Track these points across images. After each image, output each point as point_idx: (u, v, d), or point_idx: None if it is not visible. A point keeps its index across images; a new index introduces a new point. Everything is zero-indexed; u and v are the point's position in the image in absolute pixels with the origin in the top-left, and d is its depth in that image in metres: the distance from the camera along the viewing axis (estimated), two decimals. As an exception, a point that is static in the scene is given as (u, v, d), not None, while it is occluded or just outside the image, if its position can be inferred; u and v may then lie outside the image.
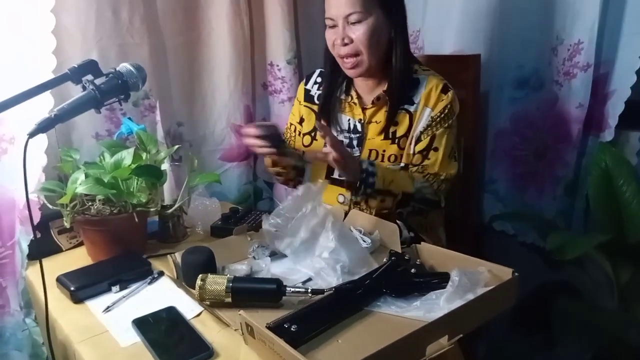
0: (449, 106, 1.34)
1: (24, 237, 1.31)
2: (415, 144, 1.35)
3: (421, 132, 1.34)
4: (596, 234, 1.59)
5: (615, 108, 1.56)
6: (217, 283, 1.01)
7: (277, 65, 1.94)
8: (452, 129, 1.36)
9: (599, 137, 1.63)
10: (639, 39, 1.49)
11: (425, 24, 1.94)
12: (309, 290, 1.00)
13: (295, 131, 1.51)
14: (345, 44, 1.27)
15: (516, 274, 1.00)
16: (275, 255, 1.23)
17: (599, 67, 1.60)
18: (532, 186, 1.84)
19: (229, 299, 1.01)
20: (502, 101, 1.84)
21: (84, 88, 1.02)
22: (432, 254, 1.15)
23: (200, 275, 1.03)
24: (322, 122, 1.39)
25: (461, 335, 0.89)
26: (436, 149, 1.35)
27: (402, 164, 1.37)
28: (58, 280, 1.15)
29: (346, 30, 1.27)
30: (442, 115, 1.33)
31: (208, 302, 1.03)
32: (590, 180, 1.59)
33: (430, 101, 1.34)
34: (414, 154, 1.36)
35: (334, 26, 1.29)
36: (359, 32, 1.26)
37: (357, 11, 1.24)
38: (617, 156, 1.54)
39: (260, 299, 1.02)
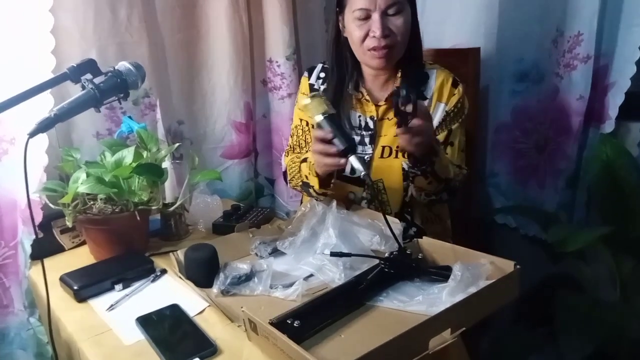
0: (461, 100, 1.34)
1: (26, 237, 1.31)
2: None
3: (437, 127, 1.33)
4: (598, 226, 1.59)
5: (615, 99, 1.56)
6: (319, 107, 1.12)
7: (277, 62, 1.94)
8: (464, 124, 1.36)
9: (599, 129, 1.63)
10: (639, 30, 1.48)
11: (424, 18, 1.92)
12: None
13: (307, 125, 1.46)
14: (386, 35, 1.23)
15: (518, 266, 1.00)
16: (277, 251, 1.23)
17: (599, 59, 1.60)
18: (533, 179, 1.84)
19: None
20: (503, 94, 1.84)
21: (83, 87, 1.02)
22: (434, 248, 1.15)
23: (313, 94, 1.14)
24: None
25: (464, 329, 0.90)
26: (452, 144, 1.35)
27: None
28: (61, 279, 1.15)
29: (384, 21, 1.23)
30: (456, 110, 1.33)
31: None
32: (591, 172, 1.59)
33: (443, 96, 1.34)
34: None
35: (366, 18, 1.24)
36: (399, 23, 1.23)
37: (398, 2, 1.22)
38: (618, 148, 1.53)
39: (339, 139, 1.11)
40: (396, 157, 1.36)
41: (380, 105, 1.36)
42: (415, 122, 1.08)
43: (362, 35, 1.25)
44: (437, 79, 1.34)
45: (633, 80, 1.51)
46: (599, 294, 1.66)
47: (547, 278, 1.72)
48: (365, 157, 1.38)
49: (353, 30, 1.27)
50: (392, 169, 1.37)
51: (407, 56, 1.31)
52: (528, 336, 1.75)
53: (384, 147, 1.37)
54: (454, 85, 1.34)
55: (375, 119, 1.37)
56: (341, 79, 1.37)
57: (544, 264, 1.76)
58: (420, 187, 1.29)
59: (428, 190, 1.28)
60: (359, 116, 1.38)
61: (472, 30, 1.79)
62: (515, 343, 1.74)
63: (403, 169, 1.36)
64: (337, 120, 1.14)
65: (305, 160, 1.33)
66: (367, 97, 1.36)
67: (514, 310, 1.78)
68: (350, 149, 1.09)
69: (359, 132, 1.39)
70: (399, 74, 1.33)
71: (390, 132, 1.36)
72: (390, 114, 1.36)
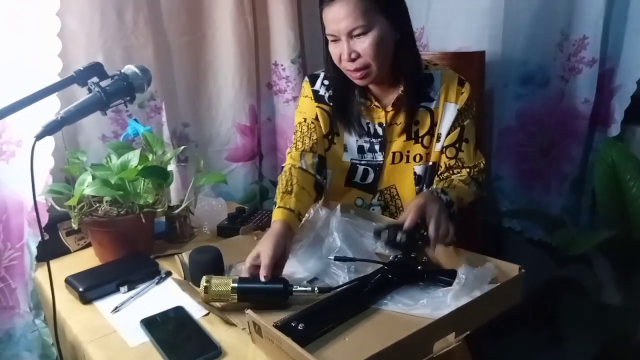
0: (470, 97, 1.33)
1: (32, 239, 1.32)
2: (444, 139, 1.34)
3: (449, 128, 1.32)
4: (602, 230, 1.58)
5: (621, 103, 1.56)
6: (222, 285, 1.01)
7: (282, 65, 1.95)
8: (474, 120, 1.35)
9: (605, 133, 1.63)
10: (644, 33, 1.48)
11: (429, 21, 1.93)
12: (316, 289, 1.00)
13: (312, 123, 1.39)
14: (353, 59, 1.21)
15: (523, 270, 0.99)
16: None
17: (604, 62, 1.60)
18: (538, 183, 1.84)
19: (234, 300, 1.01)
20: (508, 98, 1.84)
21: (90, 90, 1.03)
22: (439, 251, 1.15)
23: (204, 277, 1.02)
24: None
25: (468, 332, 0.90)
26: (467, 141, 1.33)
27: (431, 163, 1.36)
28: (67, 281, 1.16)
29: (351, 44, 1.19)
30: (466, 107, 1.32)
31: (216, 304, 1.03)
32: (597, 176, 1.58)
33: (450, 96, 1.32)
34: (443, 148, 1.34)
35: (336, 40, 1.23)
36: (365, 45, 1.19)
37: (360, 25, 1.17)
38: (623, 151, 1.53)
39: (266, 299, 1.03)
40: (407, 162, 1.36)
41: (388, 111, 1.34)
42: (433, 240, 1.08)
43: (337, 56, 1.24)
44: (443, 80, 1.33)
45: (639, 83, 1.50)
46: (603, 297, 1.66)
47: (551, 281, 1.72)
48: (376, 165, 1.38)
49: (330, 50, 1.26)
50: (404, 174, 1.37)
51: (402, 63, 1.28)
52: (532, 339, 1.74)
53: (394, 153, 1.36)
54: (461, 84, 1.33)
55: (384, 125, 1.36)
56: (346, 87, 1.35)
57: (548, 268, 1.76)
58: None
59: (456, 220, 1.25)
60: (367, 123, 1.37)
61: (477, 33, 1.79)
62: (520, 346, 1.73)
63: (415, 173, 1.36)
64: (247, 278, 1.07)
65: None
66: (377, 103, 1.35)
67: (519, 314, 1.78)
68: (286, 287, 1.02)
69: (368, 139, 1.38)
70: (402, 81, 1.31)
71: (400, 138, 1.36)
72: (398, 119, 1.35)
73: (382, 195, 1.39)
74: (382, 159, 1.37)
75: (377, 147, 1.37)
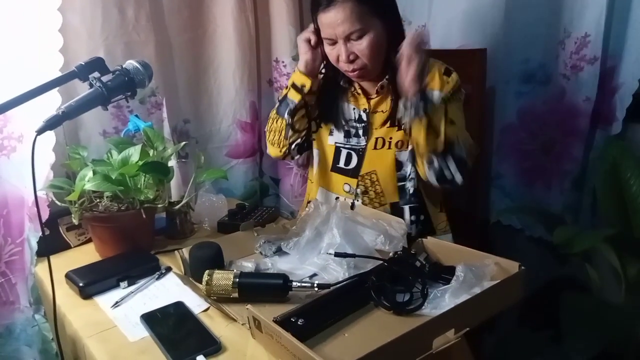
0: (456, 86, 1.32)
1: (33, 234, 1.32)
2: None
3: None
4: (603, 228, 1.58)
5: (622, 101, 1.55)
6: (224, 279, 1.02)
7: (283, 62, 1.95)
8: (460, 104, 1.33)
9: (606, 131, 1.62)
10: (647, 31, 1.48)
11: (431, 19, 1.93)
12: (315, 285, 1.01)
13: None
14: (351, 61, 1.26)
15: (523, 267, 0.99)
16: (282, 251, 1.24)
17: (606, 60, 1.59)
18: (539, 181, 1.83)
19: (235, 294, 1.02)
20: (509, 96, 1.83)
21: (91, 85, 1.03)
22: (438, 248, 1.16)
23: (207, 271, 1.04)
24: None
25: (468, 329, 0.90)
26: (452, 122, 1.27)
27: (411, 147, 1.34)
28: (67, 276, 1.16)
29: (348, 47, 1.25)
30: (452, 93, 1.30)
31: (215, 298, 1.04)
32: (598, 174, 1.58)
33: (434, 85, 1.30)
34: None
35: (333, 43, 1.27)
36: (362, 47, 1.24)
37: (358, 29, 1.22)
38: (624, 150, 1.53)
39: (266, 294, 1.03)
40: (389, 148, 1.37)
41: (372, 98, 1.38)
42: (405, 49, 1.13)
43: (334, 57, 1.29)
44: (431, 70, 1.30)
45: (640, 81, 1.50)
46: (605, 295, 1.66)
47: (552, 279, 1.72)
48: (359, 149, 1.40)
49: (327, 52, 1.31)
50: (385, 160, 1.38)
51: (393, 59, 1.25)
52: (533, 338, 1.74)
53: (377, 139, 1.38)
54: (447, 74, 1.32)
55: (367, 111, 1.39)
56: (334, 74, 1.39)
57: (549, 266, 1.76)
58: (417, 143, 1.23)
59: (427, 147, 1.21)
60: (353, 109, 1.41)
61: (478, 31, 1.79)
62: (520, 344, 1.73)
63: (396, 159, 1.36)
64: (248, 273, 1.09)
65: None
66: (359, 91, 1.39)
67: (519, 312, 1.78)
68: (286, 283, 1.03)
69: (353, 124, 1.41)
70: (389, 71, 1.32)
71: (384, 125, 1.37)
72: (382, 107, 1.37)
73: (362, 179, 1.40)
74: (365, 144, 1.39)
75: (360, 132, 1.40)
